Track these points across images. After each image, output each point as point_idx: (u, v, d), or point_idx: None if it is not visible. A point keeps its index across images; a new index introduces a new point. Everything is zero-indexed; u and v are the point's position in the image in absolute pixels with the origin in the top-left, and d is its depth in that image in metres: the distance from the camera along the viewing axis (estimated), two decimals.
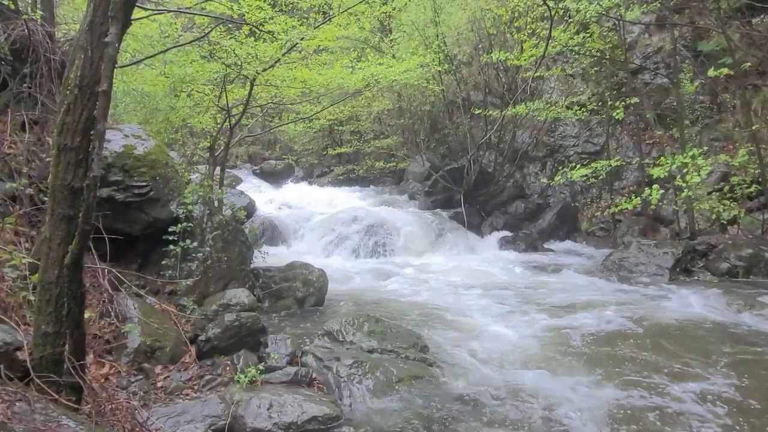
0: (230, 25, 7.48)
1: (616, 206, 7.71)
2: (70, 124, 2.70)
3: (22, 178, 4.43)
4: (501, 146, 11.53)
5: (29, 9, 5.32)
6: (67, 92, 2.73)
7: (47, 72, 5.01)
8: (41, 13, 5.17)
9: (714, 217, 7.92)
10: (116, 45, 2.60)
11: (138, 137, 5.34)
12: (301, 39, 6.50)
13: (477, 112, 10.23)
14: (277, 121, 12.67)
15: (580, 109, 9.88)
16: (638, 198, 6.98)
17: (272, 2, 8.03)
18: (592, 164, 8.04)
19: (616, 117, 8.86)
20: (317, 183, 15.40)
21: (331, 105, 10.45)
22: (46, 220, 2.82)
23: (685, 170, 6.70)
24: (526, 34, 9.18)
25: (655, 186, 6.38)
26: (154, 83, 7.33)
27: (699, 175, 6.49)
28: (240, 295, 4.89)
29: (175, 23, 7.50)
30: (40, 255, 2.85)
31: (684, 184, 6.67)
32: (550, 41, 7.60)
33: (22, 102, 4.93)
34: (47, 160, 4.44)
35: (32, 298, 3.30)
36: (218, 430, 3.26)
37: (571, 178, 7.95)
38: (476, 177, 11.07)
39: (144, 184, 5.10)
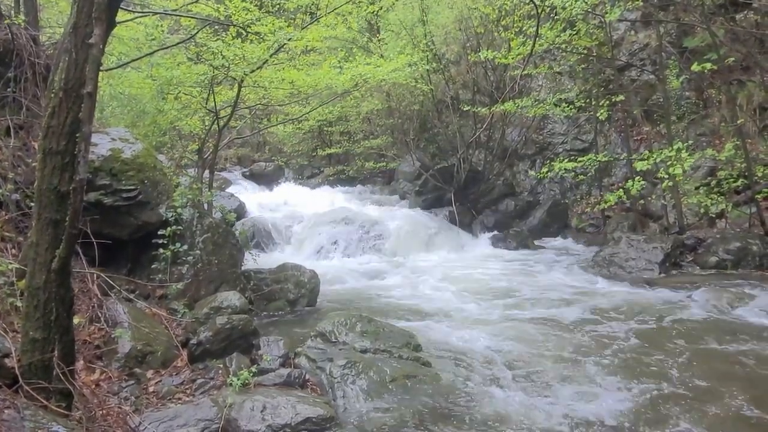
0: (217, 27, 7.44)
1: (605, 202, 7.79)
2: (55, 128, 2.67)
3: (8, 184, 4.39)
4: (490, 144, 11.58)
5: (12, 13, 5.27)
6: (52, 95, 2.70)
7: (32, 76, 4.97)
8: (24, 18, 5.12)
9: (702, 211, 8.01)
10: (101, 46, 2.57)
11: (125, 141, 5.29)
12: (289, 40, 6.47)
13: (466, 108, 10.26)
14: (266, 123, 12.61)
15: (568, 106, 9.94)
16: (621, 191, 7.06)
17: (259, 3, 8.02)
18: (579, 159, 8.10)
19: (600, 118, 8.95)
20: (308, 184, 15.35)
21: (320, 105, 10.43)
22: (32, 225, 2.79)
23: (668, 163, 6.79)
24: (514, 32, 9.21)
25: (637, 178, 6.45)
26: (141, 86, 7.27)
27: (682, 166, 6.57)
28: (231, 297, 4.86)
29: (161, 25, 7.45)
30: (27, 260, 2.81)
31: (666, 176, 6.75)
32: (537, 39, 7.63)
33: (6, 107, 4.89)
34: (33, 164, 4.39)
35: (20, 304, 3.26)
36: None
37: (557, 171, 8.00)
38: (466, 175, 11.10)
39: (132, 187, 5.05)
